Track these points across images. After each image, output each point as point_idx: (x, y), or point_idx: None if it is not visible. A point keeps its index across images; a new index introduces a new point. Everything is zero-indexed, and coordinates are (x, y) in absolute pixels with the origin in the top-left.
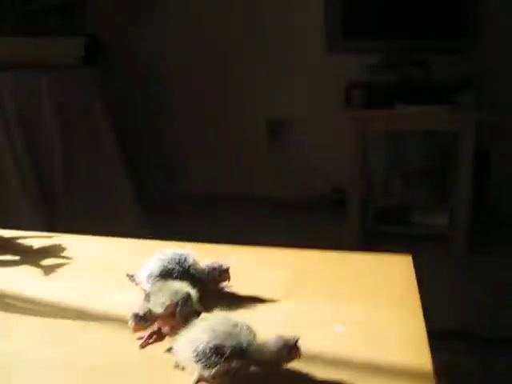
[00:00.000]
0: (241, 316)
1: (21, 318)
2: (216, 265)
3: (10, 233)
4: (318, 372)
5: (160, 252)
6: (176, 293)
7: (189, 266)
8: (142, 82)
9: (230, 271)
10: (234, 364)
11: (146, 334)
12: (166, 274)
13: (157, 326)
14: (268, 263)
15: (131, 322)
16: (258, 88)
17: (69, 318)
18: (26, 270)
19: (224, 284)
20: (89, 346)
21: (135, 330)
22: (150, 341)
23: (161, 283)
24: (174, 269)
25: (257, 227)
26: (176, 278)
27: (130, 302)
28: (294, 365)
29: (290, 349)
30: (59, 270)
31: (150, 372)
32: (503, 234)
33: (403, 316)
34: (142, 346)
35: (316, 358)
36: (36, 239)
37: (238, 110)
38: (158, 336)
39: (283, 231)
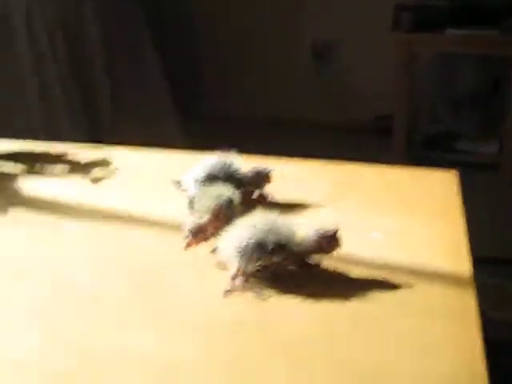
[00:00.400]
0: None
1: (71, 222)
2: (259, 168)
3: (59, 146)
4: (355, 273)
5: (205, 158)
6: (219, 196)
7: (233, 171)
8: None
9: (273, 178)
10: (276, 258)
11: (189, 235)
12: (211, 179)
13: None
14: (310, 174)
15: (189, 238)
16: (303, 7)
17: (117, 222)
18: (75, 180)
19: (266, 189)
20: (136, 246)
21: (195, 243)
22: (195, 241)
23: (204, 188)
24: (219, 174)
25: (299, 151)
26: (222, 183)
27: (176, 208)
28: (332, 264)
29: (330, 239)
30: (107, 181)
31: (194, 271)
32: None
33: (444, 227)
34: (187, 246)
35: (352, 260)
36: (82, 151)
37: (283, 30)
38: (203, 237)
39: (326, 155)
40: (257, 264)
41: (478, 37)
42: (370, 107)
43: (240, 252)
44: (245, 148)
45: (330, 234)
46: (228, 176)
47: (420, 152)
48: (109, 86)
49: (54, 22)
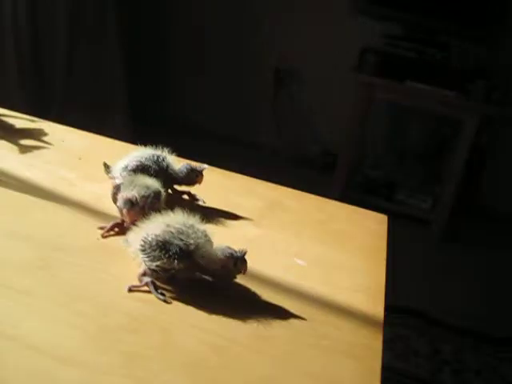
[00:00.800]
0: (206, 227)
1: None
2: (193, 166)
3: None
4: (267, 295)
5: (139, 150)
6: (147, 187)
7: (166, 166)
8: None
9: (205, 181)
10: (177, 264)
11: (108, 224)
12: (141, 170)
13: (120, 219)
14: (246, 191)
15: (125, 210)
16: (271, 33)
17: (34, 195)
18: (2, 144)
19: (197, 191)
20: (47, 223)
21: (130, 217)
22: (112, 232)
23: (133, 177)
24: (150, 166)
25: (241, 168)
26: (151, 175)
27: (99, 193)
28: (245, 282)
29: (236, 260)
30: (36, 152)
31: (103, 257)
32: (487, 228)
33: (366, 263)
34: (104, 236)
35: (269, 282)
36: (20, 120)
37: (250, 53)
38: (120, 229)
39: (266, 178)
40: (155, 264)
41: (434, 94)
42: (319, 142)
43: (143, 247)
44: (187, 156)
45: (236, 255)
46: (159, 170)
47: (357, 194)
48: (65, 67)
49: None
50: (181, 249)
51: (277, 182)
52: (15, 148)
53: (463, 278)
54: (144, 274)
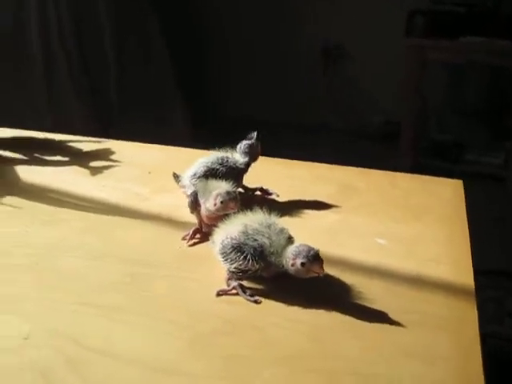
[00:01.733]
0: (282, 221)
1: (65, 211)
2: (244, 143)
3: (61, 136)
4: (352, 278)
5: (205, 156)
6: (223, 189)
7: (233, 164)
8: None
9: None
10: (251, 265)
11: (189, 232)
12: (210, 174)
13: (198, 225)
14: (315, 178)
15: (228, 198)
16: (315, 9)
17: (111, 214)
18: (74, 170)
19: (271, 191)
20: (128, 239)
21: (234, 206)
22: (194, 240)
23: (204, 183)
24: (217, 169)
25: (304, 154)
26: (220, 178)
27: (174, 204)
28: (329, 269)
29: (305, 260)
30: (106, 172)
31: (187, 265)
32: None
33: (448, 233)
34: (190, 245)
35: (353, 265)
36: (86, 143)
37: (293, 32)
38: (201, 235)
39: (332, 159)
40: (233, 266)
41: (491, 46)
42: (379, 112)
43: (221, 251)
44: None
45: (304, 254)
46: (226, 170)
47: (426, 160)
48: (117, 81)
49: (65, 15)
50: (255, 249)
51: (344, 161)
52: (86, 171)
53: None
54: (230, 278)
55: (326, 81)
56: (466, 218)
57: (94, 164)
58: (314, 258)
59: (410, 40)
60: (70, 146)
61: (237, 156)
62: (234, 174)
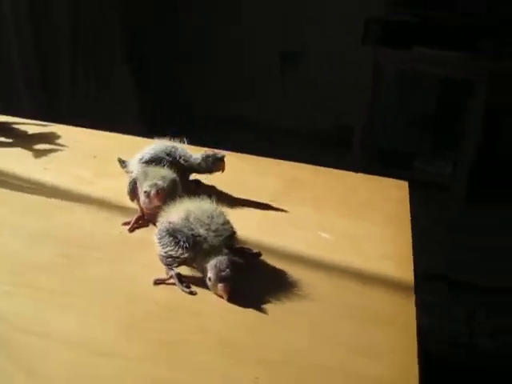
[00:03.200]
0: (228, 212)
1: (6, 192)
2: (210, 153)
3: (6, 118)
4: (294, 270)
5: (154, 143)
6: (163, 178)
7: (179, 157)
8: None
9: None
10: (180, 253)
11: (132, 219)
12: (155, 161)
13: (140, 212)
14: (260, 172)
15: (153, 192)
16: (273, 15)
17: (53, 197)
18: (17, 151)
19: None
20: (67, 221)
21: (159, 200)
22: (136, 225)
23: (146, 169)
24: (163, 158)
25: (258, 151)
26: (165, 166)
27: (117, 189)
28: (272, 259)
29: (215, 278)
30: (50, 155)
31: (127, 250)
32: (506, 191)
33: (391, 231)
34: (131, 230)
35: (294, 257)
36: (31, 126)
37: (251, 37)
38: (143, 222)
39: (282, 158)
40: (163, 251)
41: (444, 58)
42: (332, 117)
43: (157, 233)
44: (202, 145)
45: (219, 273)
46: (172, 160)
47: (376, 167)
48: (69, 70)
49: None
50: (188, 238)
51: (293, 161)
52: (30, 153)
53: (489, 240)
54: (169, 266)
55: (281, 83)
56: (409, 218)
57: (38, 147)
58: (222, 279)
59: (365, 47)
60: (15, 128)
61: (191, 153)
62: (178, 165)
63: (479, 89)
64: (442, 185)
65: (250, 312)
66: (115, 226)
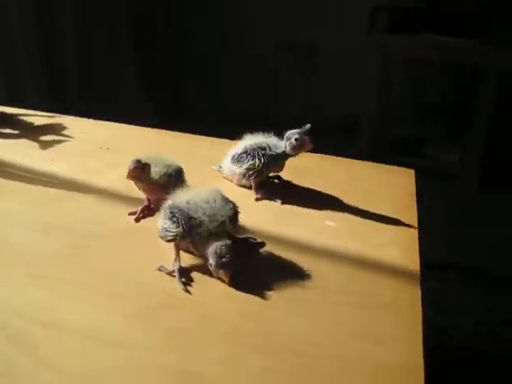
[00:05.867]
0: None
1: (14, 183)
2: (291, 133)
3: (13, 110)
4: (300, 258)
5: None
6: (169, 165)
7: (269, 148)
8: None
9: None
10: (174, 226)
11: (138, 209)
12: (247, 156)
13: (146, 201)
14: None
15: (130, 165)
16: (273, 7)
17: (61, 188)
18: (24, 143)
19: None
20: (76, 212)
21: (132, 175)
22: (141, 215)
23: (152, 158)
24: (255, 151)
25: None
26: (258, 160)
27: (124, 179)
28: (278, 248)
29: (216, 265)
30: (57, 146)
31: (134, 240)
32: None
33: (398, 218)
34: (137, 220)
35: (300, 246)
36: (38, 117)
37: (255, 28)
38: (149, 211)
39: None
40: (160, 224)
41: (454, 44)
42: (341, 106)
43: (162, 218)
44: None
45: (219, 259)
46: (264, 152)
47: (386, 154)
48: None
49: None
50: (183, 213)
51: None
52: (37, 145)
53: (499, 229)
54: (176, 259)
55: (289, 72)
56: (415, 206)
57: (45, 138)
58: (222, 265)
59: (372, 36)
60: (22, 120)
61: (279, 143)
62: (272, 157)
63: (489, 75)
64: (452, 172)
65: (258, 301)
66: (123, 216)
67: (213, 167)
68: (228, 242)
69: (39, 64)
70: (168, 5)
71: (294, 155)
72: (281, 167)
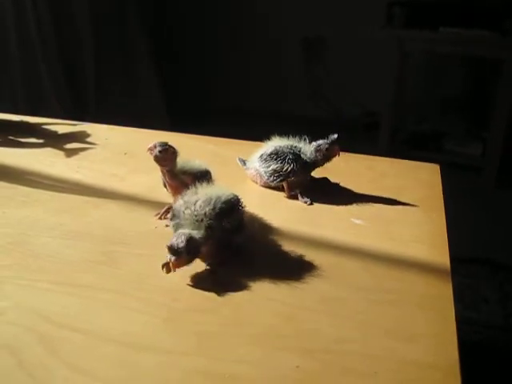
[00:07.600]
0: (258, 201)
1: (41, 192)
2: (320, 141)
3: (36, 119)
4: (329, 258)
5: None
6: (196, 167)
7: (301, 154)
8: None
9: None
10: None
11: (162, 209)
12: (276, 156)
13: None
14: None
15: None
16: (295, 3)
17: (87, 195)
18: (49, 151)
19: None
20: (102, 219)
21: (158, 157)
22: (165, 215)
23: (181, 163)
24: (287, 153)
25: None
26: (286, 163)
27: (150, 185)
28: (305, 248)
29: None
30: (82, 153)
31: (162, 244)
32: None
33: (425, 214)
34: (159, 218)
35: (328, 245)
36: (61, 126)
37: (275, 24)
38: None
39: None
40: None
41: (470, 37)
42: (359, 103)
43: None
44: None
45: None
46: (295, 155)
47: (405, 150)
48: (94, 69)
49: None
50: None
51: None
52: (61, 153)
53: None
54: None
55: (306, 71)
56: (442, 201)
57: (69, 146)
58: (173, 252)
59: (389, 31)
60: (45, 129)
61: (307, 148)
62: (301, 163)
63: (508, 68)
64: (473, 166)
65: (288, 301)
66: (150, 220)
67: (236, 160)
68: (186, 231)
69: (60, 74)
70: (184, 15)
71: (322, 165)
72: (306, 176)
